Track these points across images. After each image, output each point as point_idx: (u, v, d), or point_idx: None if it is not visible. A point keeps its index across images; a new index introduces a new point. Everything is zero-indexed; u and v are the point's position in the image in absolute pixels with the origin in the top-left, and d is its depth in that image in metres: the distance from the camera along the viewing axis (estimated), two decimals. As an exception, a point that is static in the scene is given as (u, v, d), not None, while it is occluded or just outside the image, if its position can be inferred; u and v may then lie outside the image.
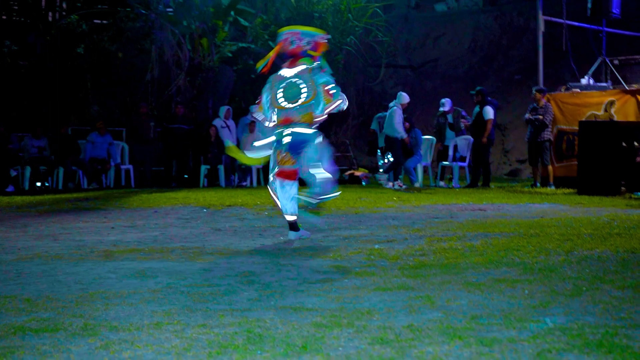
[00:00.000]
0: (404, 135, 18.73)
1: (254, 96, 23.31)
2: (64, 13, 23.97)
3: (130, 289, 5.90)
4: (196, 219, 11.76)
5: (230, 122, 21.30)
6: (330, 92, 9.12)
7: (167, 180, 20.86)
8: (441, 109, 20.36)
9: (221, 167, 20.55)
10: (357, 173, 22.25)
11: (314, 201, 9.22)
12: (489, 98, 19.15)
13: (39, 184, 19.77)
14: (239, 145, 20.37)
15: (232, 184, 20.50)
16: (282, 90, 9.04)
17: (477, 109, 18.90)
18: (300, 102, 9.00)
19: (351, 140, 27.39)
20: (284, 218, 9.27)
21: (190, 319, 4.85)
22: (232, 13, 23.49)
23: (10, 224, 11.30)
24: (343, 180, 21.67)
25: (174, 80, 22.87)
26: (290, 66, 9.17)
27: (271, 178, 9.18)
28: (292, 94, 9.01)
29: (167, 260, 7.43)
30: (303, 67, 9.13)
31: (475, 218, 11.14)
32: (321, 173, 9.07)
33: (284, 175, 9.05)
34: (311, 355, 4.03)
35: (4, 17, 24.55)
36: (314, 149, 9.07)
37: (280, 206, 9.20)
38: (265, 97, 9.23)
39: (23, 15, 24.23)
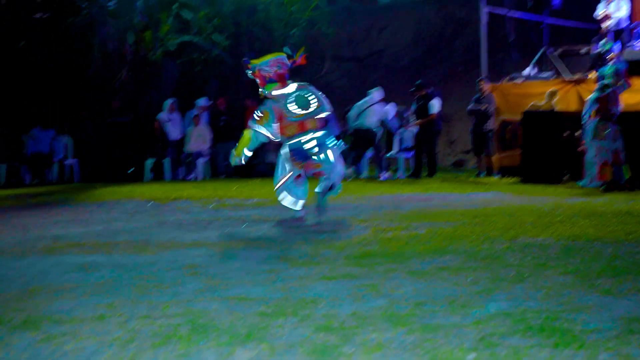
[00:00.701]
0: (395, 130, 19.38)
1: (198, 89, 23.34)
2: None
3: (74, 282, 5.85)
4: (141, 212, 11.67)
5: (175, 115, 21.14)
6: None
7: (113, 175, 20.67)
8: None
9: (167, 161, 20.44)
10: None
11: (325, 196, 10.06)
12: (431, 90, 19.25)
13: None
14: (184, 139, 20.38)
15: (177, 177, 20.39)
16: (293, 102, 9.91)
17: (419, 102, 18.96)
18: (312, 108, 9.92)
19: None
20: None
21: (134, 310, 4.82)
22: (175, 6, 23.33)
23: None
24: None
25: (117, 74, 22.66)
26: (284, 86, 10.00)
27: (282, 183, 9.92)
28: (303, 103, 9.95)
29: (111, 254, 7.37)
30: (296, 84, 10.11)
31: (420, 208, 11.19)
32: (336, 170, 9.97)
33: (317, 174, 9.92)
34: (255, 343, 4.03)
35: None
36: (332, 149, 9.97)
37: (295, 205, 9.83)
38: (271, 114, 9.87)
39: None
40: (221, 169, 21.36)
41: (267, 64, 10.05)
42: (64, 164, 20.65)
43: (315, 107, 9.94)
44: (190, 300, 5.12)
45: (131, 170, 20.94)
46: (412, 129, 19.42)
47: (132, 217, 11.14)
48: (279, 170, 10.07)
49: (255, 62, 10.12)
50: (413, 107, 19.15)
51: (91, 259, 7.00)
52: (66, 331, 4.33)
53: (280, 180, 9.96)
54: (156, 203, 12.86)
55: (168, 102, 21.21)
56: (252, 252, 7.36)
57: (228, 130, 21.60)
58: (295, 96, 9.97)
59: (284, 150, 9.95)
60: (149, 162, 20.53)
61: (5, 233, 9.37)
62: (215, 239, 8.53)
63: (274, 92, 9.98)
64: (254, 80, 10.15)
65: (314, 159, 9.84)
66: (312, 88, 10.18)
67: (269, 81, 10.03)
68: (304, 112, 9.91)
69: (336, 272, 6.09)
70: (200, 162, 20.57)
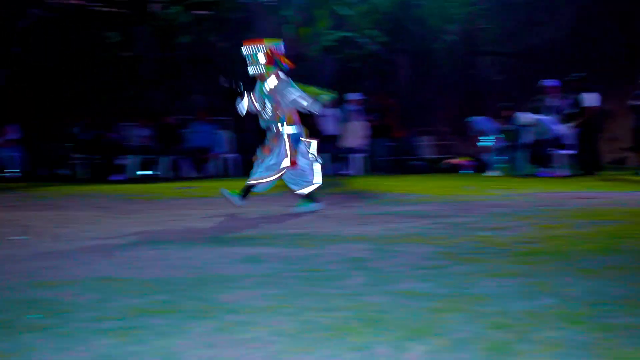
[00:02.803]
0: None
1: (355, 84, 23.48)
2: (167, 5, 24.31)
3: (242, 273, 5.95)
4: (300, 206, 11.79)
5: (331, 111, 21.31)
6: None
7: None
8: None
9: (324, 155, 20.55)
10: (456, 161, 22.10)
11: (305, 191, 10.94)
12: (588, 84, 18.79)
13: (144, 172, 20.13)
14: (339, 134, 20.48)
15: (334, 172, 20.53)
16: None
17: (576, 96, 18.54)
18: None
19: (450, 129, 27.18)
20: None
21: (304, 302, 4.87)
22: (331, 3, 23.50)
23: (118, 211, 11.53)
24: (441, 169, 21.58)
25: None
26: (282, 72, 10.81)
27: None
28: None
29: (275, 246, 7.47)
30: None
31: (583, 206, 10.94)
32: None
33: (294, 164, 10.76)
34: (429, 338, 4.01)
35: (107, 9, 25.03)
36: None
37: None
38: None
39: (126, 6, 24.67)
40: (376, 164, 21.45)
41: (279, 46, 10.66)
42: (224, 158, 21.08)
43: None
44: (359, 293, 5.14)
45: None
46: (570, 125, 19.01)
47: (294, 210, 11.27)
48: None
49: (268, 40, 10.67)
50: (569, 102, 18.72)
51: (257, 251, 7.11)
52: (240, 321, 4.40)
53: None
54: (315, 196, 12.96)
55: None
56: (415, 248, 7.32)
57: (383, 126, 21.67)
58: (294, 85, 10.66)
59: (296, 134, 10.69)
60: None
61: (171, 224, 9.64)
62: (377, 233, 8.53)
63: (281, 75, 10.59)
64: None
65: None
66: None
67: (275, 63, 10.56)
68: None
69: (502, 269, 6.01)
70: (355, 157, 20.67)
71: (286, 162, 10.68)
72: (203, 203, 12.57)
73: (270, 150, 10.74)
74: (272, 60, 10.57)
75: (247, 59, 10.68)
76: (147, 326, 4.29)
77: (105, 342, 3.99)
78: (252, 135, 21.25)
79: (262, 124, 10.89)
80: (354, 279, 5.68)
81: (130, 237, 8.33)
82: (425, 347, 3.88)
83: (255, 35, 23.09)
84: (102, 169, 19.90)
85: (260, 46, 10.53)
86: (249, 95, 10.84)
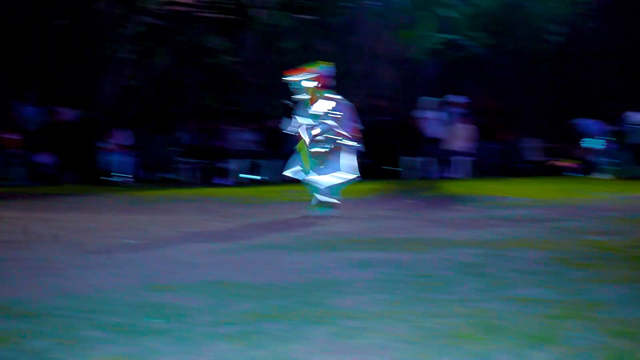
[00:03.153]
0: None
1: (459, 87, 23.31)
2: (273, 10, 24.52)
3: (354, 278, 5.97)
4: (408, 209, 11.79)
5: (436, 114, 21.22)
6: None
7: (375, 173, 21.05)
8: None
9: (429, 159, 20.52)
10: (562, 164, 21.76)
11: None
12: None
13: (251, 176, 20.31)
14: (444, 137, 20.37)
15: (439, 175, 20.42)
16: None
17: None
18: None
19: (556, 131, 26.73)
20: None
21: (419, 308, 4.85)
22: (435, 6, 23.37)
23: (226, 214, 11.65)
24: (547, 172, 21.27)
25: (380, 73, 23.03)
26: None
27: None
28: None
29: (384, 251, 7.47)
30: None
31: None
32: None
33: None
34: (549, 346, 3.96)
35: (215, 15, 25.37)
36: None
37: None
38: None
39: (233, 12, 24.96)
40: (481, 167, 21.27)
41: (324, 70, 10.91)
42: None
43: None
44: (474, 299, 5.10)
45: (393, 168, 21.19)
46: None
47: (400, 214, 11.27)
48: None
49: (322, 64, 10.96)
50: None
51: (369, 256, 7.11)
52: (357, 326, 4.41)
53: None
54: (421, 200, 12.94)
55: (429, 101, 21.33)
56: (526, 253, 7.24)
57: (487, 128, 21.49)
58: None
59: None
60: (411, 160, 20.67)
61: (282, 228, 9.71)
62: (486, 237, 8.46)
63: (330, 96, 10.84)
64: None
65: None
66: None
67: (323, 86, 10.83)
68: None
69: (618, 275, 5.91)
70: (460, 160, 20.53)
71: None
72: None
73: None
74: (325, 84, 10.84)
75: (292, 86, 10.91)
76: (265, 331, 4.33)
77: (225, 347, 4.04)
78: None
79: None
80: (467, 285, 5.64)
81: (240, 241, 8.40)
82: (546, 356, 3.83)
83: (359, 39, 23.25)
84: (209, 173, 20.16)
85: (305, 74, 10.80)
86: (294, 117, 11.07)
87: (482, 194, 13.60)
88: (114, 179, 19.62)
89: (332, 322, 4.52)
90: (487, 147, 21.66)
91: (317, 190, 10.89)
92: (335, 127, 10.71)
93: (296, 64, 21.62)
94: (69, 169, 19.16)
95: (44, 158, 18.81)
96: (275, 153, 20.22)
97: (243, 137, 20.64)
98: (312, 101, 10.85)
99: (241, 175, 20.01)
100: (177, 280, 5.92)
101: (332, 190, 10.83)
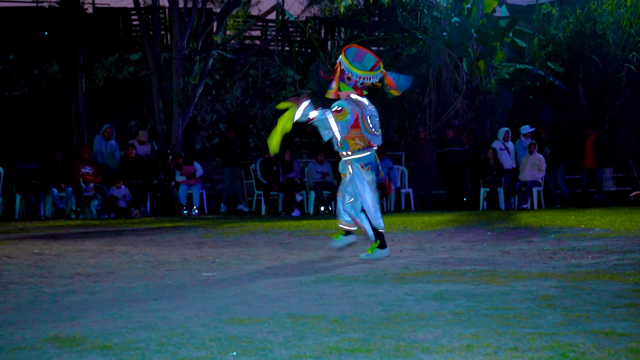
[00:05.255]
0: None
1: (532, 116, 23.16)
2: (341, 42, 24.67)
3: (432, 311, 5.93)
4: (482, 241, 11.70)
5: (509, 144, 21.15)
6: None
7: (447, 204, 21.06)
8: None
9: (501, 190, 20.42)
10: (641, 194, 21.43)
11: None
12: None
13: (322, 208, 20.38)
14: (517, 167, 20.23)
15: (511, 206, 20.29)
16: (373, 116, 9.77)
17: None
18: (379, 132, 9.94)
19: (635, 159, 26.37)
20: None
21: (500, 342, 4.80)
22: (510, 35, 23.30)
23: (301, 246, 11.68)
24: (625, 202, 20.96)
25: (452, 103, 23.00)
26: (361, 95, 9.80)
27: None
28: (377, 123, 9.90)
29: (461, 283, 7.41)
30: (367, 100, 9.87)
31: None
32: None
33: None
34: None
35: (287, 48, 25.64)
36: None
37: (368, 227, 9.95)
38: (350, 115, 9.62)
39: (305, 45, 25.19)
40: (555, 197, 21.08)
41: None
42: (400, 193, 21.16)
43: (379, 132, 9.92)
44: (555, 333, 5.03)
45: (465, 199, 21.15)
46: None
47: (474, 246, 11.19)
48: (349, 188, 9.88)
49: (345, 59, 9.71)
50: None
51: (443, 288, 7.07)
52: (438, 360, 4.39)
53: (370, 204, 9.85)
54: (495, 232, 12.84)
55: (502, 131, 21.26)
56: (605, 285, 7.13)
57: (561, 158, 21.30)
58: (372, 111, 9.80)
59: (357, 166, 9.81)
60: (483, 191, 20.59)
61: (354, 260, 9.69)
62: (563, 269, 8.36)
63: (353, 96, 9.70)
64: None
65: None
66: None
67: (346, 82, 9.74)
68: (378, 132, 9.86)
69: None
70: (533, 190, 20.34)
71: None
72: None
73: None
74: (342, 76, 9.78)
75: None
76: (344, 365, 4.32)
77: (306, 381, 4.04)
78: (426, 170, 21.32)
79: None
80: (547, 318, 5.56)
81: (315, 274, 8.41)
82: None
83: (433, 70, 23.23)
84: (281, 205, 20.29)
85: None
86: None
87: (556, 225, 13.43)
88: (185, 211, 19.81)
89: (414, 355, 4.49)
90: (561, 178, 21.45)
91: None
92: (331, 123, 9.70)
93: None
94: (141, 202, 19.40)
95: (118, 191, 19.07)
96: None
97: (313, 169, 20.72)
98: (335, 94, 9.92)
99: (311, 206, 20.07)
100: (253, 313, 5.94)
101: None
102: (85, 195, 18.92)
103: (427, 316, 5.69)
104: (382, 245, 9.79)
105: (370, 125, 9.73)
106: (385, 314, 5.81)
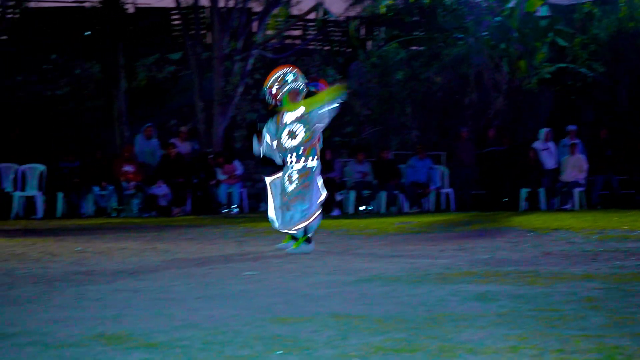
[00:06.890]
0: None
1: (573, 116, 23.02)
2: (382, 42, 24.67)
3: (475, 311, 5.89)
4: (524, 242, 11.63)
5: (551, 144, 21.01)
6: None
7: (488, 204, 20.96)
8: None
9: (542, 190, 20.30)
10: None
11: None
12: None
13: (362, 207, 20.38)
14: (559, 168, 20.11)
15: (552, 207, 20.18)
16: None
17: None
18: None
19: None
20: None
21: (546, 343, 4.76)
22: (551, 34, 23.16)
23: (340, 246, 11.69)
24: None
25: (493, 103, 22.91)
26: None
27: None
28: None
29: (504, 284, 7.36)
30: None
31: None
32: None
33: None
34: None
35: (326, 48, 25.65)
36: None
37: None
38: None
39: (344, 44, 25.19)
40: (597, 199, 20.94)
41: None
42: (440, 193, 21.12)
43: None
44: (600, 335, 4.98)
45: (506, 199, 21.04)
46: None
47: (516, 246, 11.12)
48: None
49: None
50: None
51: (486, 289, 7.02)
52: (483, 361, 4.36)
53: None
54: (537, 233, 12.76)
55: (543, 131, 21.13)
56: (650, 287, 7.07)
57: (603, 158, 21.12)
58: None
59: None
60: (524, 192, 20.49)
61: (395, 260, 9.67)
62: (607, 271, 8.28)
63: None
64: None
65: None
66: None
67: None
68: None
69: None
70: (575, 191, 20.20)
71: (323, 196, 10.61)
72: (423, 239, 12.57)
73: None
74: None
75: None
76: (390, 365, 4.31)
77: (351, 381, 4.03)
78: (466, 170, 21.23)
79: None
80: (592, 320, 5.51)
81: (356, 273, 8.40)
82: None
83: (474, 70, 23.16)
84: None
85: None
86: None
87: (598, 226, 13.33)
88: (225, 209, 19.88)
89: (459, 356, 4.47)
90: (603, 178, 21.29)
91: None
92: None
93: (403, 95, 21.69)
94: (182, 200, 19.50)
95: (159, 190, 19.18)
96: (387, 185, 20.25)
97: (355, 169, 20.73)
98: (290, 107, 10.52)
99: (351, 206, 20.08)
100: (296, 312, 5.94)
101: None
102: (127, 194, 19.06)
103: (471, 317, 5.66)
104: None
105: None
106: (429, 314, 5.78)
